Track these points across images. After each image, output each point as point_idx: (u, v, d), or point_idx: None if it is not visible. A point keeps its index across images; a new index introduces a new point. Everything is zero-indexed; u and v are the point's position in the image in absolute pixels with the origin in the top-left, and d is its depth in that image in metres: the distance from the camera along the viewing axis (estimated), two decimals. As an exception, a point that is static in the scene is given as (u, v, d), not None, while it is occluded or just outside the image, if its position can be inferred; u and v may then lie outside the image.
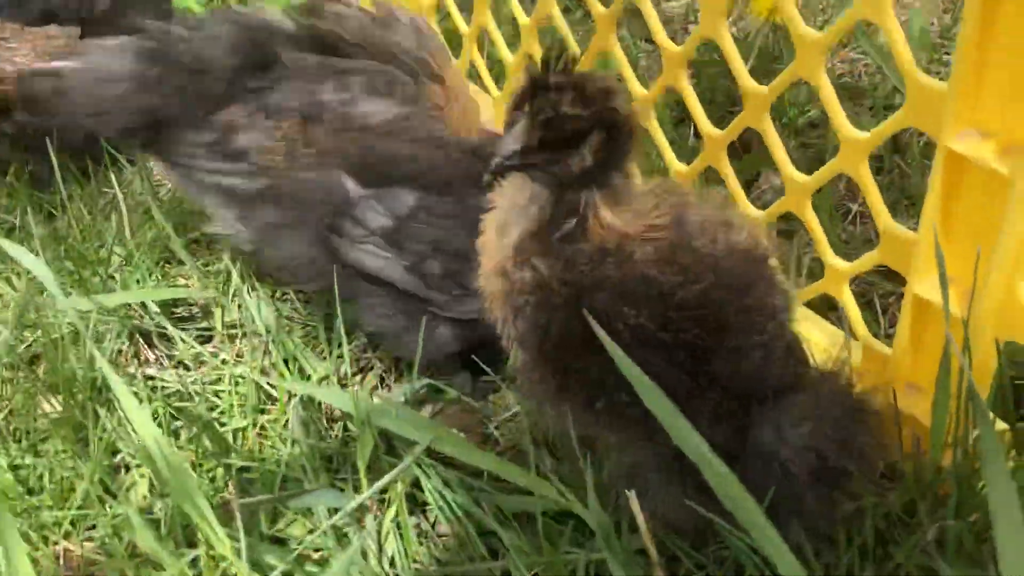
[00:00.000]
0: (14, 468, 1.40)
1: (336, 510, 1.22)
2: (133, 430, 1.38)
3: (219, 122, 1.49)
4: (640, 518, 1.09)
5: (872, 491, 1.12)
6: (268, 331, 1.56)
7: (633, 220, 1.10)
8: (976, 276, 1.02)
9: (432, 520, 1.32)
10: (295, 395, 1.45)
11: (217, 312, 1.62)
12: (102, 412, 1.42)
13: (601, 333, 0.74)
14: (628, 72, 1.49)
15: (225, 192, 1.50)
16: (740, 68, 1.24)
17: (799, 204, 1.27)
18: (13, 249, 1.45)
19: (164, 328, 1.59)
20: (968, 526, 1.07)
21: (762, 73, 1.28)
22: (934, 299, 1.10)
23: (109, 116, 1.51)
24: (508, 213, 1.16)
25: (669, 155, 1.48)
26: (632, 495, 1.10)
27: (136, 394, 1.41)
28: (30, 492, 1.38)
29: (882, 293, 1.56)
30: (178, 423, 1.47)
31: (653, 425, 1.04)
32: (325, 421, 1.45)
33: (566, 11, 2.28)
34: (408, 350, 1.37)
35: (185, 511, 1.15)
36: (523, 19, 1.70)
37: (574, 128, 1.05)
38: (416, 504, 1.33)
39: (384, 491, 1.32)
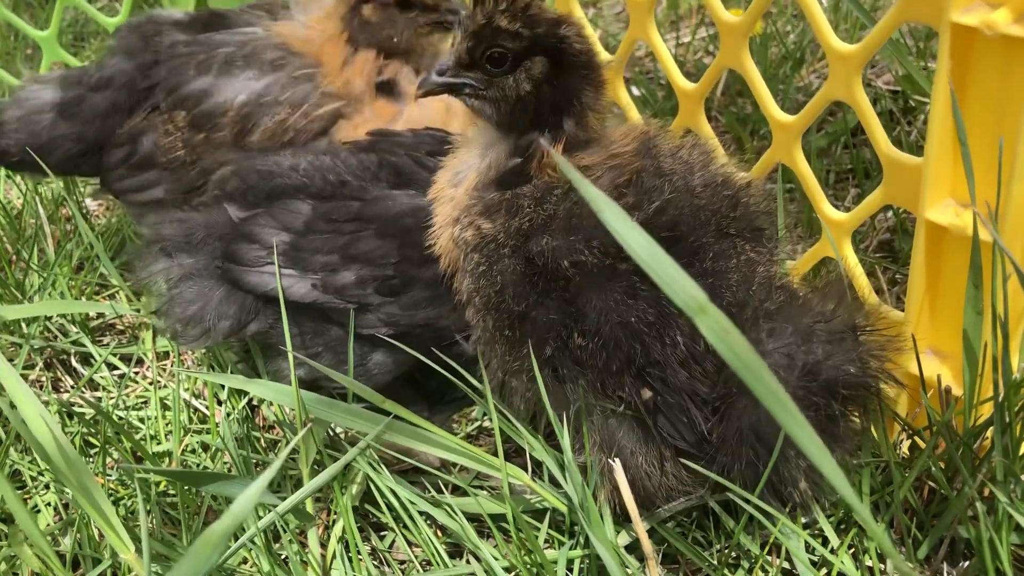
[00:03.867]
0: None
1: (268, 511, 1.02)
2: (29, 442, 1.20)
3: (126, 133, 1.42)
4: (625, 489, 0.92)
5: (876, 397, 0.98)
6: (204, 354, 1.39)
7: (594, 153, 1.03)
8: (1000, 174, 0.88)
9: (389, 543, 1.12)
10: (231, 407, 1.28)
11: (146, 335, 1.45)
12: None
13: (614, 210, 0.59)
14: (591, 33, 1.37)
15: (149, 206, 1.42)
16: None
17: (788, 150, 1.13)
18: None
19: (84, 347, 1.41)
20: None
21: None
22: (950, 222, 0.96)
23: (46, 147, 1.45)
24: (463, 161, 1.07)
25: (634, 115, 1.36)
26: (617, 464, 0.93)
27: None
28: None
29: (889, 280, 1.42)
30: (94, 450, 1.27)
31: (617, 369, 0.95)
32: (263, 442, 1.26)
33: None
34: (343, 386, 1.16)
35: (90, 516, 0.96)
36: None
37: (511, 48, 0.99)
38: (368, 523, 1.14)
39: (331, 508, 1.13)
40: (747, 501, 0.91)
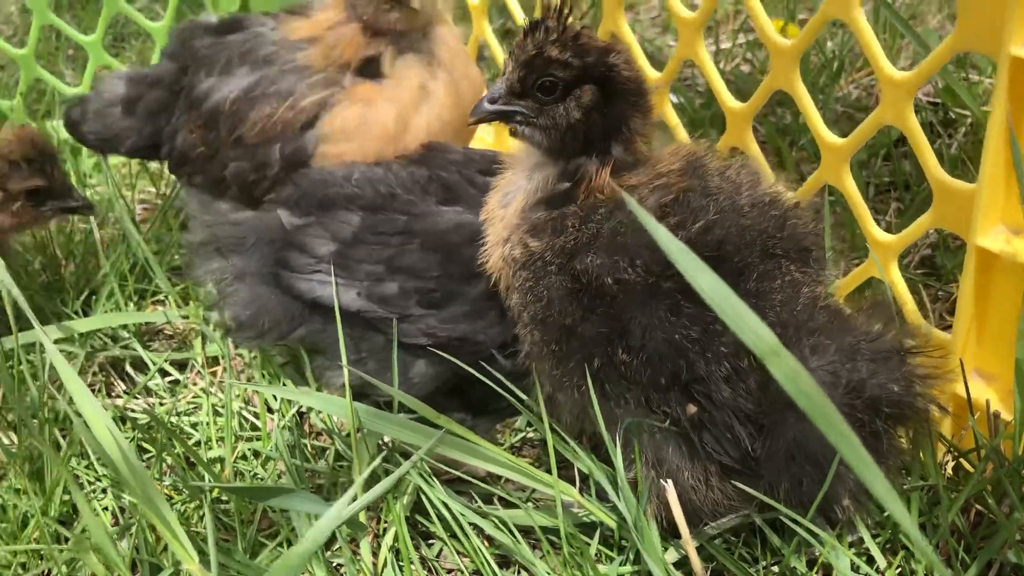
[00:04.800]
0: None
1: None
2: (94, 452, 1.24)
3: (168, 131, 1.50)
4: (677, 510, 0.94)
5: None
6: (253, 359, 1.43)
7: (640, 174, 1.05)
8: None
9: (437, 551, 1.15)
10: (282, 416, 1.30)
11: (196, 342, 1.48)
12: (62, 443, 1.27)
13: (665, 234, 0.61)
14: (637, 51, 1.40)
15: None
16: (763, 19, 1.14)
17: (837, 172, 1.14)
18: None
19: (136, 351, 1.45)
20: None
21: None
22: (1001, 248, 0.97)
23: (117, 138, 1.56)
24: (511, 183, 1.10)
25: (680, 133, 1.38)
26: (669, 484, 0.95)
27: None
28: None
29: (931, 296, 1.43)
30: (149, 455, 1.30)
31: (662, 385, 0.96)
32: (310, 448, 1.29)
33: None
34: (387, 394, 1.18)
35: (150, 522, 0.99)
36: None
37: (562, 77, 1.02)
38: (417, 531, 1.16)
39: (381, 517, 1.15)
40: (796, 522, 0.93)
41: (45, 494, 1.21)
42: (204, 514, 1.17)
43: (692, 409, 0.96)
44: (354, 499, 1.06)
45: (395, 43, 1.39)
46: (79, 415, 1.01)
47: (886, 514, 1.01)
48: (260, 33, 1.43)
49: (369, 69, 1.38)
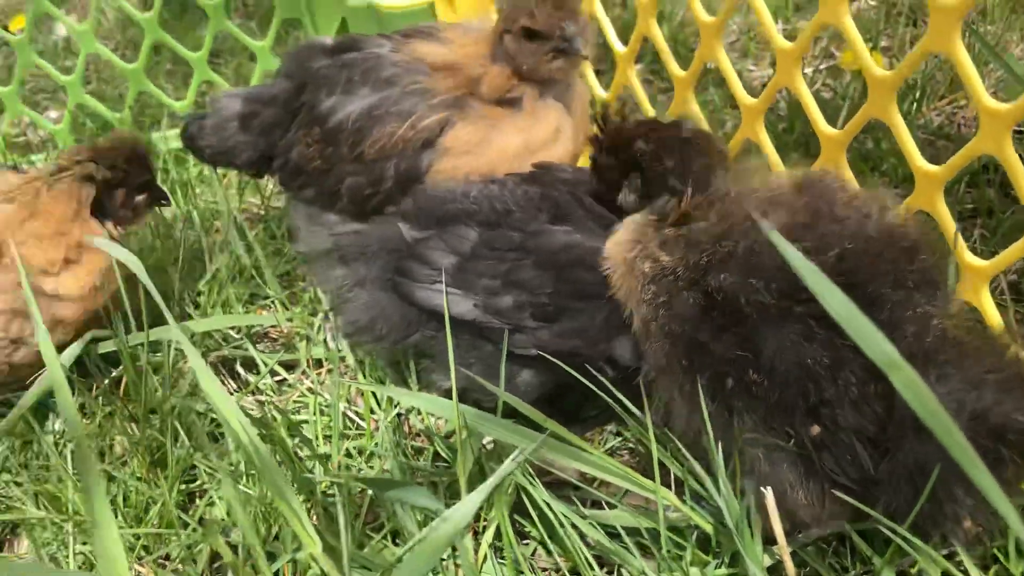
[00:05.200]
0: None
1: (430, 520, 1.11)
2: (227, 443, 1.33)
3: (283, 145, 1.58)
4: (775, 518, 0.98)
5: None
6: (359, 362, 1.50)
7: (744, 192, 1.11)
8: None
9: (532, 550, 1.20)
10: (386, 416, 1.37)
11: (302, 345, 1.56)
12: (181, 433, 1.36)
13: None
14: (734, 79, 1.46)
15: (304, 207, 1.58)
16: (862, 49, 1.18)
17: (931, 199, 1.18)
18: (137, 268, 1.36)
19: (246, 351, 1.54)
20: None
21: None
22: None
23: (232, 151, 1.65)
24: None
25: (774, 158, 1.43)
26: (768, 492, 1.00)
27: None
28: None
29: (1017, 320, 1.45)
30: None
31: (788, 405, 1.00)
32: (410, 449, 1.36)
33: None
34: (490, 399, 1.25)
35: (264, 511, 1.06)
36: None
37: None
38: (514, 530, 1.22)
39: (481, 515, 1.21)
40: (894, 532, 0.97)
41: (167, 482, 1.29)
42: (311, 507, 1.25)
43: (816, 430, 0.99)
44: (446, 490, 1.12)
45: (540, 87, 1.46)
46: (207, 410, 1.09)
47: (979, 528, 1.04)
48: (379, 54, 1.49)
49: (509, 103, 1.45)
